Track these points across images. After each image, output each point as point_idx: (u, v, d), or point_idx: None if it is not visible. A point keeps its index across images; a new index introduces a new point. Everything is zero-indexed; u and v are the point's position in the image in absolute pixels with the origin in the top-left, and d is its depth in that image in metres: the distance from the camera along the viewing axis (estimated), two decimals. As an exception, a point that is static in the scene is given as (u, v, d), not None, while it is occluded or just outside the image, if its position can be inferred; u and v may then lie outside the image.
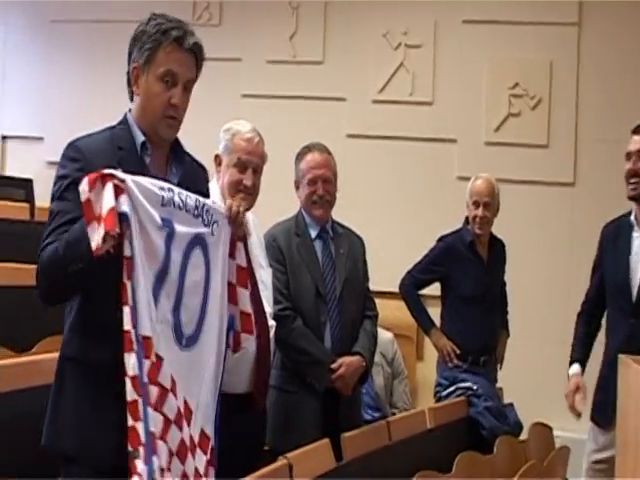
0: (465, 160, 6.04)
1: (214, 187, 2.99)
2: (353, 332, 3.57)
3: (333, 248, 3.59)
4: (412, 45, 6.27)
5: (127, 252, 2.05)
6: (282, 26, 6.46)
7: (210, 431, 2.28)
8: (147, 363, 2.06)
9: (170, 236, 2.14)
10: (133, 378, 2.03)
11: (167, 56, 2.33)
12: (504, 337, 4.75)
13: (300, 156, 3.60)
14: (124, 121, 2.39)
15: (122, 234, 2.04)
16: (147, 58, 2.33)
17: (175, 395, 2.14)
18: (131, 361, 2.03)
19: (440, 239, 4.66)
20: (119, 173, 2.06)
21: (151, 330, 2.10)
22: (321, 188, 3.55)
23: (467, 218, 4.64)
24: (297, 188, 3.61)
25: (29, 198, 5.37)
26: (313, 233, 3.57)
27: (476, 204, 4.56)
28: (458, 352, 4.48)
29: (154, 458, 2.04)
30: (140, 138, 2.34)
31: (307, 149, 3.60)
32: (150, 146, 2.36)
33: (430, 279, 4.62)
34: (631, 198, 3.51)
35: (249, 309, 2.34)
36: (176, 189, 2.21)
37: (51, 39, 7.08)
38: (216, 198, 2.77)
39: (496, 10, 6.04)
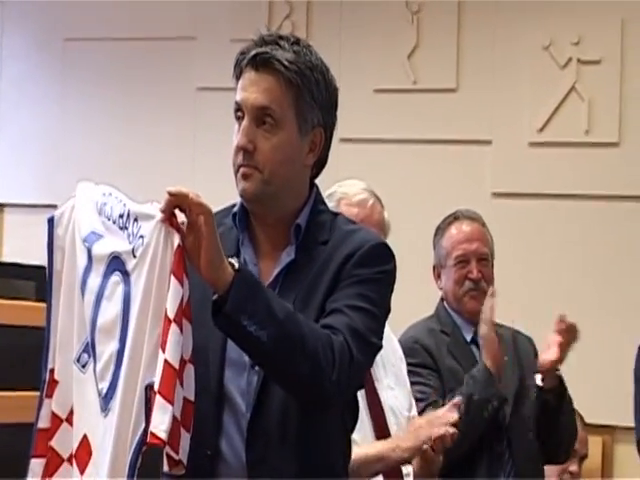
0: None
1: None
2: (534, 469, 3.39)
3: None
4: (588, 61, 5.53)
5: (57, 265, 2.11)
6: (397, 38, 5.81)
7: None
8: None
9: (90, 255, 2.06)
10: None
11: (239, 84, 2.12)
12: None
13: (442, 230, 3.48)
14: None
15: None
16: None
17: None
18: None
19: None
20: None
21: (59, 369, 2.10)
22: (475, 269, 3.38)
23: None
24: (437, 276, 3.48)
25: (41, 294, 4.57)
26: (467, 335, 3.41)
27: None
28: None
29: None
30: (236, 207, 2.15)
31: (452, 218, 3.48)
32: (247, 218, 2.15)
33: None
34: None
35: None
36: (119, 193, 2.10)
37: (64, 68, 6.51)
38: None
39: None
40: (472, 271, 3.40)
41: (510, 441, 3.30)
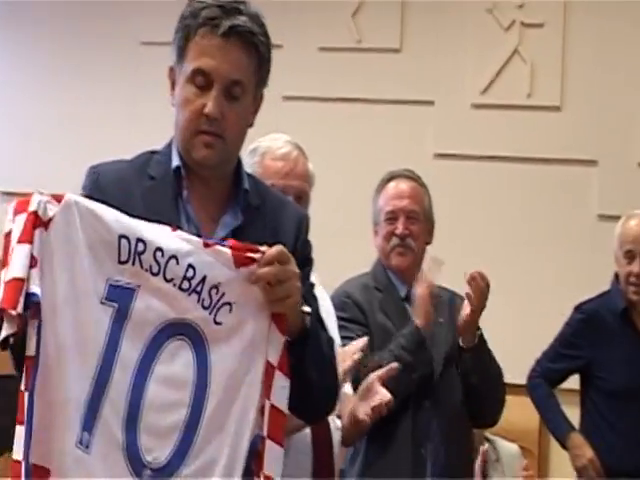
0: (609, 191, 5.39)
1: None
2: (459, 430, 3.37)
3: None
4: (531, 24, 5.58)
5: (30, 351, 1.79)
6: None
7: None
8: None
9: (120, 317, 1.87)
10: None
11: (197, 48, 2.09)
12: None
13: (379, 188, 3.48)
14: (168, 143, 2.20)
15: (25, 321, 1.79)
16: (178, 53, 2.13)
17: None
18: None
19: (577, 308, 4.26)
20: (68, 195, 1.85)
21: (54, 459, 1.86)
22: (402, 226, 3.37)
23: (616, 276, 4.22)
24: (375, 233, 3.47)
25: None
26: (401, 292, 3.40)
27: (630, 256, 4.14)
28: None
29: None
30: (175, 162, 2.14)
31: (389, 177, 3.48)
32: (188, 175, 2.13)
33: (566, 369, 4.26)
34: None
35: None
36: (165, 237, 1.91)
37: (4, 24, 6.34)
38: None
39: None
40: (398, 227, 3.41)
41: (437, 400, 3.32)
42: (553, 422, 4.30)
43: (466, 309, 3.23)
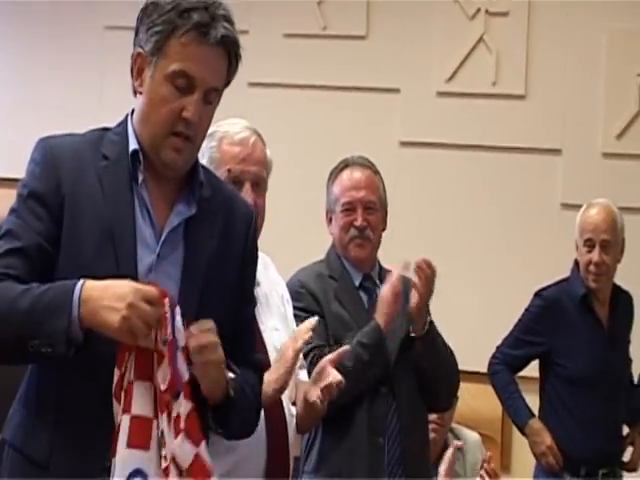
0: (574, 180, 5.38)
1: None
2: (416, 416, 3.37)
3: None
4: (496, 12, 5.54)
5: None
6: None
7: None
8: None
9: None
10: None
11: (183, 49, 2.07)
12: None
13: (333, 176, 3.46)
14: (122, 123, 2.18)
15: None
16: (155, 46, 2.08)
17: None
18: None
19: (537, 294, 4.27)
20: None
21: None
22: (361, 217, 3.36)
23: (576, 263, 4.26)
24: (329, 221, 3.46)
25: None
26: (355, 280, 3.39)
27: (590, 244, 4.19)
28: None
29: None
30: (132, 145, 2.12)
31: (343, 165, 3.45)
32: (145, 160, 2.12)
33: (527, 355, 4.28)
34: None
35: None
36: None
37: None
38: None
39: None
40: (357, 219, 3.40)
41: (393, 387, 3.32)
42: (513, 408, 4.29)
43: (414, 297, 3.24)
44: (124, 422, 1.95)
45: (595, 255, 4.16)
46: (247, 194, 2.84)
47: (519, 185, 5.48)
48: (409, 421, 3.31)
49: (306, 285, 3.37)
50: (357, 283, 3.42)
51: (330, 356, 2.74)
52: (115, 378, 1.94)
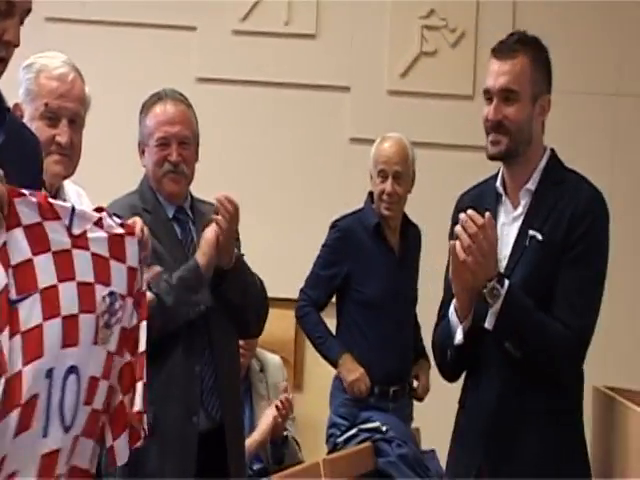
0: (361, 115, 5.56)
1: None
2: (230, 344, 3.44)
3: (196, 235, 3.35)
4: None
5: None
6: None
7: None
8: None
9: None
10: None
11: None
12: (425, 363, 4.41)
13: (146, 108, 3.39)
14: None
15: None
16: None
17: None
18: None
19: (333, 225, 4.36)
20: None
21: None
22: (175, 152, 3.32)
23: (371, 194, 4.34)
24: (141, 153, 3.41)
25: None
26: (169, 212, 3.38)
27: (383, 175, 4.26)
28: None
29: None
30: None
31: (156, 98, 3.38)
32: None
33: (329, 290, 4.34)
34: (492, 157, 3.03)
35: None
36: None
37: None
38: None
39: None
40: (172, 154, 3.36)
41: (207, 318, 3.33)
42: (325, 346, 4.34)
43: (213, 231, 3.28)
44: None
45: (388, 185, 4.22)
46: (63, 130, 2.84)
47: (310, 121, 5.54)
48: (222, 349, 3.36)
49: (120, 218, 3.23)
50: (170, 215, 3.41)
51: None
52: None
